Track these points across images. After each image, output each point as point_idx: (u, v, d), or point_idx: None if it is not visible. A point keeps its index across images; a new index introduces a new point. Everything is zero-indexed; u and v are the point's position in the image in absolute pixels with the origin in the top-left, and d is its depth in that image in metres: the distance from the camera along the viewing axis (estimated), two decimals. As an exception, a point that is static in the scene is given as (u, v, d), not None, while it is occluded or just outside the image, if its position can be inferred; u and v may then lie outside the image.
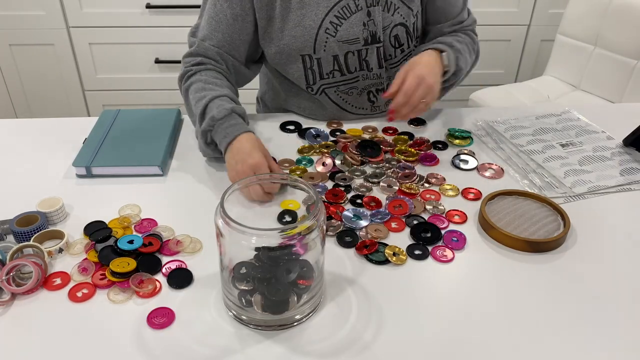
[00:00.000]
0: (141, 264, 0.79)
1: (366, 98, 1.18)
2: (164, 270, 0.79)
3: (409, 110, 1.02)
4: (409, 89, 1.00)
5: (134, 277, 0.76)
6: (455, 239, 0.86)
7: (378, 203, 0.93)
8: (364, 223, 0.88)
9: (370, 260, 0.81)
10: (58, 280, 0.77)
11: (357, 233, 0.87)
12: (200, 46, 1.08)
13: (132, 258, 0.80)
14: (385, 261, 0.81)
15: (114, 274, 0.77)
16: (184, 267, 0.80)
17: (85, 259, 0.81)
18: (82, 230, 0.86)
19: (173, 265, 0.80)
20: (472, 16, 1.21)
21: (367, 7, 1.07)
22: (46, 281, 0.77)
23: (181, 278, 0.78)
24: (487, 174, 1.02)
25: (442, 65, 1.07)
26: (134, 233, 0.86)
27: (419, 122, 1.19)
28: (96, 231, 0.85)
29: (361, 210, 0.91)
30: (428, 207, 0.93)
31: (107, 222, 0.88)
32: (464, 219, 0.90)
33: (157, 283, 0.76)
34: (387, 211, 0.91)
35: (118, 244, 0.82)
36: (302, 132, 1.14)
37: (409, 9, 1.11)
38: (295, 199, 0.92)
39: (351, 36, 1.08)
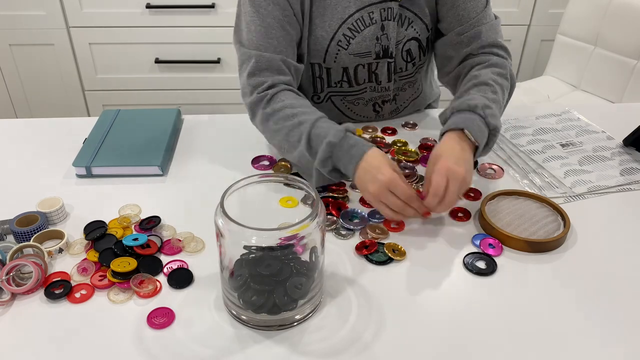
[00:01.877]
0: (142, 265, 0.79)
1: (371, 108, 1.17)
2: (165, 270, 0.79)
3: (447, 208, 0.87)
4: (438, 188, 0.84)
5: (134, 277, 0.76)
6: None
7: None
8: (362, 223, 0.89)
9: (371, 261, 0.81)
10: (84, 291, 0.76)
11: (357, 233, 0.87)
12: (262, 59, 0.97)
13: (133, 258, 0.80)
14: (385, 261, 0.81)
15: (114, 274, 0.77)
16: (185, 267, 0.80)
17: (85, 259, 0.81)
18: (82, 230, 0.86)
19: (174, 266, 0.80)
20: (494, 23, 1.06)
21: (382, 21, 1.03)
22: (70, 294, 0.76)
23: (181, 278, 0.78)
24: (487, 173, 1.02)
25: (468, 142, 0.90)
26: (134, 232, 0.86)
27: (413, 125, 1.18)
28: (93, 230, 0.85)
29: (359, 210, 0.91)
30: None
31: (107, 222, 0.88)
32: (468, 216, 0.90)
33: (157, 283, 0.76)
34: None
35: (123, 241, 0.82)
36: None
37: (424, 24, 1.07)
38: (294, 196, 0.92)
39: (363, 50, 1.05)
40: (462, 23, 1.04)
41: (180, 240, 0.84)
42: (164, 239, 0.84)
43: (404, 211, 0.84)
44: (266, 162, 1.05)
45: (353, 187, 0.98)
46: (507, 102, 1.05)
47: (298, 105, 0.96)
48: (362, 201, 0.94)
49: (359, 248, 0.83)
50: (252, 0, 0.97)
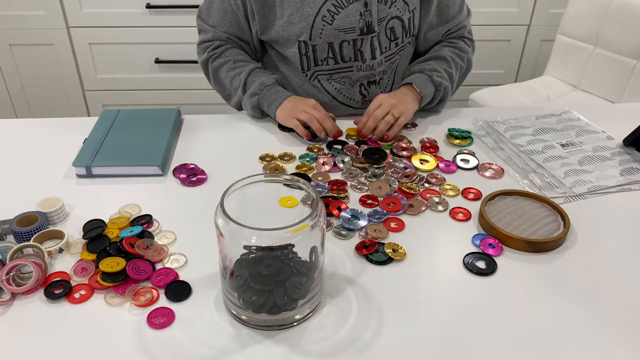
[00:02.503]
0: (132, 269, 0.77)
1: (358, 90, 1.21)
2: (156, 278, 0.77)
3: (373, 123, 1.10)
4: (370, 109, 1.10)
5: (130, 288, 0.75)
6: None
7: (375, 200, 0.94)
8: (362, 223, 0.89)
9: (371, 261, 0.81)
10: (83, 292, 0.76)
11: (358, 234, 0.87)
12: (214, 34, 1.19)
13: (123, 258, 0.79)
14: (385, 261, 0.81)
15: (105, 277, 0.76)
16: (178, 278, 0.78)
17: (81, 259, 0.81)
18: (82, 229, 0.86)
19: (163, 272, 0.78)
20: (465, 18, 1.24)
21: None
22: (69, 294, 0.75)
23: (179, 290, 0.76)
24: (487, 174, 1.02)
25: (415, 94, 1.14)
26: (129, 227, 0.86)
27: (413, 125, 1.18)
28: (90, 230, 0.85)
29: (359, 210, 0.91)
30: (436, 199, 0.94)
31: (106, 222, 0.88)
32: (468, 216, 0.91)
33: (153, 292, 0.75)
34: (381, 209, 0.92)
35: (120, 234, 0.82)
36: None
37: (405, 4, 1.13)
38: (294, 196, 0.92)
39: (347, 25, 1.11)
40: (446, 21, 1.20)
41: (162, 249, 0.83)
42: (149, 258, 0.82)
43: (324, 122, 1.10)
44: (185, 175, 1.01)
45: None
46: (461, 81, 1.26)
47: (239, 59, 1.18)
48: (362, 202, 0.94)
49: (359, 248, 0.83)
50: None
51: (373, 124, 1.10)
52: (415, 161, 1.04)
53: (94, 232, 0.84)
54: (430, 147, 1.09)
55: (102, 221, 0.88)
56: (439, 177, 1.01)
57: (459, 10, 1.21)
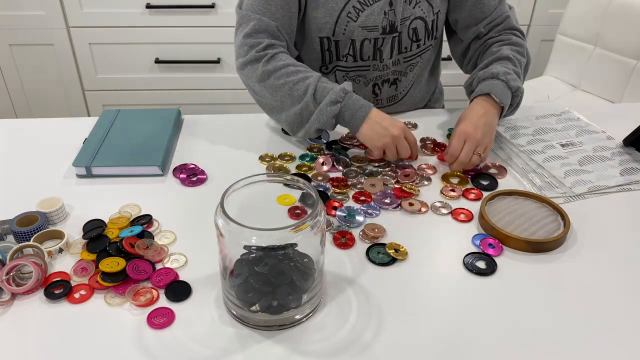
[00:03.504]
0: (132, 269, 0.78)
1: (371, 90, 1.20)
2: (156, 278, 0.77)
3: (461, 167, 1.01)
4: (455, 150, 0.99)
5: (130, 289, 0.75)
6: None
7: (368, 196, 0.94)
8: (360, 219, 0.89)
9: (373, 262, 0.81)
10: (83, 292, 0.76)
11: (356, 233, 0.87)
12: (260, 23, 1.04)
13: (122, 257, 0.79)
14: (388, 263, 0.81)
15: (104, 277, 0.76)
16: (178, 278, 0.78)
17: (81, 259, 0.81)
18: (82, 229, 0.86)
19: (163, 272, 0.79)
20: (508, 9, 1.17)
21: None
22: (69, 294, 0.75)
23: (179, 290, 0.76)
24: (490, 173, 1.02)
25: (494, 106, 1.04)
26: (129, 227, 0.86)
27: (414, 125, 1.18)
28: (90, 230, 0.85)
29: (354, 207, 0.92)
30: (437, 204, 0.94)
31: (106, 222, 0.88)
32: (470, 217, 0.91)
33: (153, 292, 0.75)
34: (375, 205, 0.92)
35: (120, 234, 0.82)
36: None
37: (430, 6, 1.12)
38: (292, 195, 0.92)
39: (371, 23, 1.09)
40: (487, 14, 1.14)
41: (163, 249, 0.83)
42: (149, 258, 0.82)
43: (407, 155, 1.01)
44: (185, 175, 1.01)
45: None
46: (525, 76, 1.17)
47: (299, 65, 1.04)
48: (355, 198, 0.95)
49: (336, 239, 0.85)
50: None
51: (460, 168, 1.01)
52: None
53: (94, 232, 0.84)
54: (434, 146, 1.10)
55: (102, 221, 0.88)
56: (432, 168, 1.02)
57: (500, 1, 1.15)
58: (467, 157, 0.99)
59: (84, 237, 0.84)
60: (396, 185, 0.98)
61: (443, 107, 1.36)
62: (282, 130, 1.15)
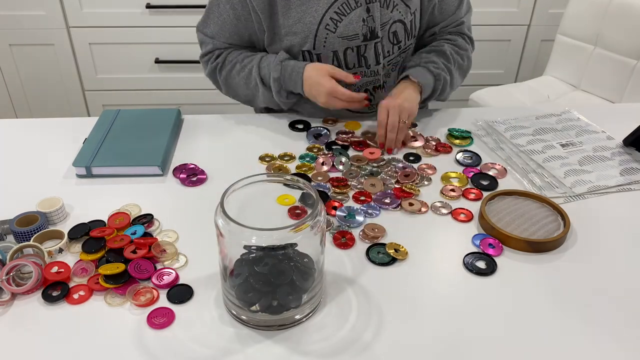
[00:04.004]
0: (134, 268, 0.78)
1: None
2: (156, 279, 0.77)
3: (394, 135, 1.07)
4: (381, 121, 1.07)
5: (130, 288, 0.75)
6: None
7: (368, 196, 0.94)
8: (360, 219, 0.89)
9: (373, 262, 0.81)
10: (82, 292, 0.76)
11: (357, 233, 0.87)
12: (215, 45, 1.17)
13: (121, 262, 0.79)
14: (388, 262, 0.81)
15: (107, 279, 0.76)
16: (178, 277, 0.78)
17: (80, 259, 0.81)
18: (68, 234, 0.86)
19: (165, 272, 0.79)
20: (464, 14, 1.22)
21: (367, 4, 1.08)
22: (68, 295, 0.75)
23: (181, 293, 0.76)
24: (490, 173, 1.02)
25: (414, 84, 1.11)
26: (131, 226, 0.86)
27: (413, 125, 1.18)
28: (82, 235, 0.85)
29: (354, 207, 0.92)
30: (437, 204, 0.94)
31: (106, 222, 0.88)
32: (470, 217, 0.91)
33: (154, 292, 0.75)
34: (375, 204, 0.92)
35: (127, 232, 0.83)
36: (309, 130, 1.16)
37: (407, 7, 1.12)
38: (292, 195, 0.92)
39: (351, 32, 1.09)
40: (444, 18, 1.19)
41: (165, 251, 0.83)
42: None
43: (351, 106, 1.10)
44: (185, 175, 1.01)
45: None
46: (461, 79, 1.23)
47: (242, 57, 1.14)
48: (355, 198, 0.94)
49: (337, 238, 0.85)
50: None
51: (394, 135, 1.07)
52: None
53: (79, 232, 0.84)
54: (437, 146, 1.10)
55: (102, 222, 0.88)
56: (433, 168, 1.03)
57: (458, 5, 1.19)
58: (394, 124, 1.06)
59: (70, 238, 0.84)
60: (396, 185, 0.98)
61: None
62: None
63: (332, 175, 1.02)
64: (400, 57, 1.20)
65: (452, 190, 0.97)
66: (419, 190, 0.97)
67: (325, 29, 1.08)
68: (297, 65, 1.09)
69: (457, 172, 1.02)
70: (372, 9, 1.09)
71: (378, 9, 1.09)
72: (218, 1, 1.12)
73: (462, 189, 0.97)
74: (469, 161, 1.06)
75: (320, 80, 1.07)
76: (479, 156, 1.07)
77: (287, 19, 1.08)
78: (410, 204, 0.93)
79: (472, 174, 1.02)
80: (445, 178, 1.00)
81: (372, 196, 0.95)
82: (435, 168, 1.04)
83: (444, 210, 0.92)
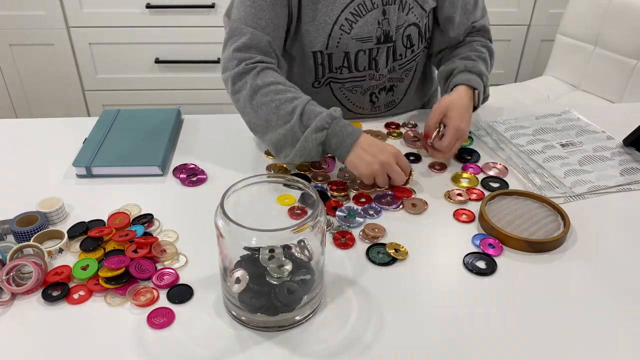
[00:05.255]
0: (135, 268, 0.78)
1: (368, 99, 1.18)
2: (156, 279, 0.77)
3: (446, 157, 1.04)
4: (449, 147, 1.01)
5: (130, 288, 0.75)
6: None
7: (368, 199, 0.94)
8: (360, 219, 0.89)
9: (373, 262, 0.81)
10: (82, 292, 0.76)
11: (357, 233, 0.87)
12: (253, 37, 1.00)
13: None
14: (388, 263, 0.81)
15: (107, 280, 0.76)
16: (178, 277, 0.78)
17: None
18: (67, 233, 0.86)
19: (165, 272, 0.78)
20: (479, 18, 1.18)
21: (383, 6, 1.06)
22: (68, 295, 0.75)
23: (181, 293, 0.76)
24: (491, 173, 1.02)
25: (471, 98, 1.07)
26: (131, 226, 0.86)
27: (414, 125, 1.18)
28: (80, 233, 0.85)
29: (354, 207, 0.92)
30: (457, 191, 0.95)
31: (106, 222, 0.88)
32: (472, 217, 0.90)
33: (154, 292, 0.75)
34: (376, 205, 0.92)
35: (132, 228, 0.84)
36: None
37: (423, 10, 1.10)
38: (292, 194, 0.92)
39: (365, 34, 1.07)
40: (468, 18, 1.15)
41: (165, 251, 0.83)
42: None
43: (402, 179, 0.95)
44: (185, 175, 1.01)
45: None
46: (491, 68, 1.19)
47: (289, 84, 0.99)
48: (355, 199, 0.94)
49: (336, 238, 0.86)
50: None
51: (441, 155, 1.03)
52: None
53: (77, 231, 0.84)
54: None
55: (102, 221, 0.88)
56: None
57: (474, 8, 1.15)
58: (455, 150, 1.04)
59: (70, 237, 0.84)
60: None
61: None
62: (265, 152, 1.08)
63: (333, 175, 1.02)
64: (415, 62, 1.17)
65: (459, 194, 0.96)
66: (414, 180, 0.98)
67: (340, 30, 1.05)
68: (351, 125, 0.96)
69: (468, 173, 1.01)
70: (388, 12, 1.06)
71: (395, 12, 1.07)
72: None
73: (469, 193, 0.97)
74: (468, 158, 1.06)
75: (383, 145, 0.95)
76: (477, 153, 1.07)
77: (300, 15, 1.04)
78: (413, 205, 0.92)
79: (481, 174, 1.02)
80: (456, 179, 1.00)
81: (372, 197, 0.95)
82: (445, 166, 1.04)
83: (461, 198, 0.94)
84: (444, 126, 1.03)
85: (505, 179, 1.01)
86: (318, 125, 0.92)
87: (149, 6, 2.07)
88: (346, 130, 0.94)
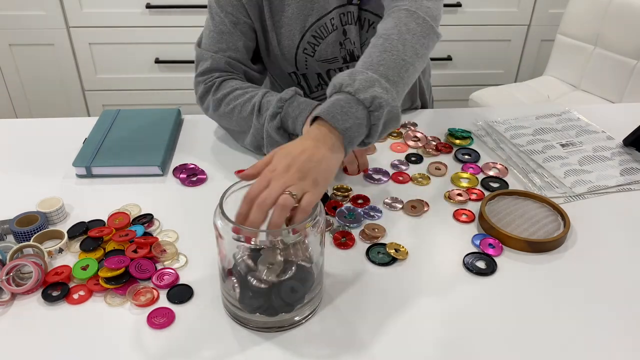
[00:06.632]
0: (135, 268, 0.78)
1: None
2: (156, 279, 0.77)
3: (260, 215, 0.65)
4: (253, 191, 0.67)
5: (131, 288, 0.75)
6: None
7: (366, 200, 0.94)
8: (359, 220, 0.89)
9: (373, 262, 0.81)
10: (82, 292, 0.76)
11: (355, 233, 0.87)
12: (213, 62, 1.03)
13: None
14: (388, 263, 0.81)
15: (107, 280, 0.76)
16: (179, 280, 0.78)
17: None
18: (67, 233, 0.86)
19: (165, 272, 0.78)
20: None
21: (343, 26, 1.04)
22: (68, 295, 0.75)
23: (181, 293, 0.76)
24: (491, 173, 1.02)
25: (331, 131, 0.73)
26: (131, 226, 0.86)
27: (413, 125, 1.18)
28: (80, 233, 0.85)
29: (353, 207, 0.92)
30: (456, 191, 0.95)
31: (106, 222, 0.88)
32: (472, 218, 0.90)
33: (154, 292, 0.75)
34: (376, 206, 0.92)
35: (131, 227, 0.84)
36: None
37: None
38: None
39: (329, 55, 1.07)
40: None
41: (165, 251, 0.83)
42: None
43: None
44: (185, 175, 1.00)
45: None
46: (426, 50, 0.85)
47: (247, 85, 1.02)
48: (353, 200, 0.94)
49: (336, 239, 0.85)
50: (210, 8, 1.04)
51: (260, 215, 0.65)
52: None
53: (77, 231, 0.85)
54: (439, 146, 1.10)
55: (102, 221, 0.88)
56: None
57: None
58: (273, 197, 0.65)
59: (70, 237, 0.84)
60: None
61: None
62: (265, 153, 1.05)
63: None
64: None
65: (459, 194, 0.96)
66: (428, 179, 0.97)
67: (304, 53, 1.06)
68: (306, 101, 0.92)
69: (468, 173, 1.01)
70: (349, 31, 1.05)
71: (356, 31, 1.05)
72: (213, 15, 1.03)
73: (468, 193, 0.97)
74: (468, 157, 1.06)
75: None
76: (477, 153, 1.07)
77: (267, 39, 1.06)
78: (413, 207, 0.92)
79: (481, 174, 1.02)
80: (456, 179, 1.00)
81: (369, 197, 0.95)
82: (446, 166, 1.04)
83: (461, 198, 0.94)
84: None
85: (505, 179, 1.01)
86: (270, 113, 0.92)
87: (149, 6, 2.07)
88: (299, 108, 0.90)
